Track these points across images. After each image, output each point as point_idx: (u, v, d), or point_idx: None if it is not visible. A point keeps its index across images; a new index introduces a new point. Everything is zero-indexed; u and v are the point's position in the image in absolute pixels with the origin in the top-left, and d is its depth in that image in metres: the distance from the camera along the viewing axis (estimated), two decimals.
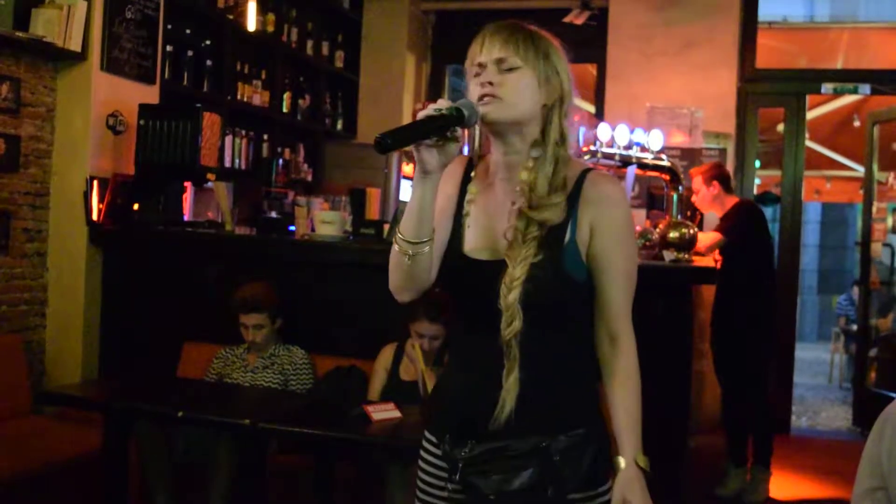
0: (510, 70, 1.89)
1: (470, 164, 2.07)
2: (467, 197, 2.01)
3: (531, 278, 1.83)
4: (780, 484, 5.48)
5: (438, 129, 1.78)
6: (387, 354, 4.09)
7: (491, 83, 1.88)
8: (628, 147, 4.64)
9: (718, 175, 5.42)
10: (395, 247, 1.91)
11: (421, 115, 1.79)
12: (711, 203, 5.44)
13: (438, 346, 3.84)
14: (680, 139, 6.83)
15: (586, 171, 1.95)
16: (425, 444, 2.07)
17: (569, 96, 1.96)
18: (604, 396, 1.97)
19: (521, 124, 1.91)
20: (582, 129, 4.81)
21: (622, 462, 1.88)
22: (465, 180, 2.04)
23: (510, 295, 1.83)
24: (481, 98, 1.88)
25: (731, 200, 5.42)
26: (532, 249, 1.85)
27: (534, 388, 1.87)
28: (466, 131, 1.96)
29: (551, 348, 1.91)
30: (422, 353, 3.79)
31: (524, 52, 1.90)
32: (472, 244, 1.97)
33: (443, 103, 1.81)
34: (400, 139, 1.75)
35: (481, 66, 1.92)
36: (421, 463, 2.07)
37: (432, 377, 3.77)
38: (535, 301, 1.83)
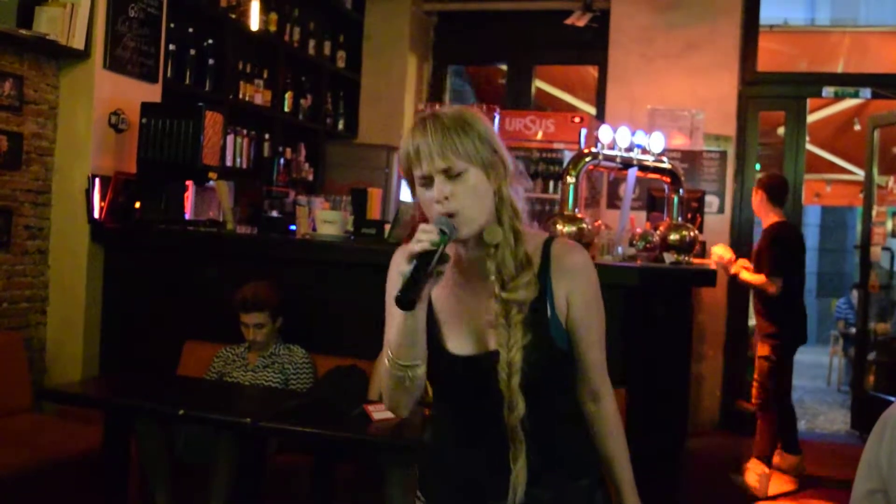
0: (458, 176, 1.80)
1: None
2: (434, 296, 1.93)
3: (526, 361, 1.81)
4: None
5: (441, 260, 1.74)
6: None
7: (447, 198, 1.80)
8: (629, 149, 4.65)
9: (766, 185, 5.57)
10: (392, 371, 1.86)
11: (416, 249, 1.73)
12: (756, 208, 5.72)
13: None
14: (681, 141, 6.84)
15: (549, 240, 1.92)
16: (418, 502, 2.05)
17: (508, 164, 1.88)
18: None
19: (486, 223, 1.85)
20: (583, 131, 4.83)
21: None
22: None
23: (512, 381, 1.81)
24: (444, 215, 1.81)
25: (772, 217, 5.55)
26: (520, 332, 1.82)
27: (541, 462, 1.86)
28: None
29: (553, 421, 1.92)
30: None
31: (464, 150, 1.80)
32: (456, 341, 1.92)
33: (430, 232, 1.74)
34: (418, 291, 1.73)
35: (426, 177, 1.82)
36: None
37: None
38: (533, 382, 1.82)
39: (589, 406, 1.99)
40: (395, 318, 1.81)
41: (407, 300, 1.71)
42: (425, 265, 1.72)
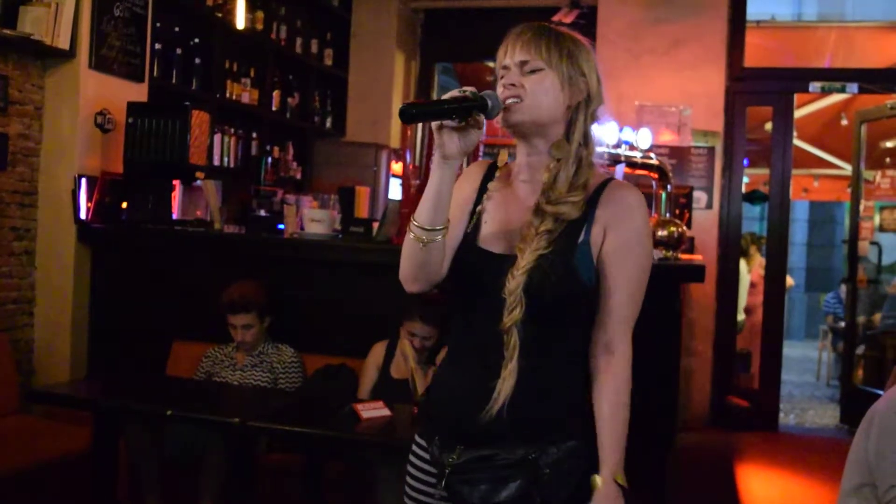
0: (533, 72, 1.88)
1: (491, 169, 2.06)
2: (486, 194, 2.01)
3: (537, 268, 1.82)
4: (768, 481, 5.51)
5: (463, 110, 1.77)
6: (378, 352, 4.09)
7: (513, 84, 1.88)
8: (617, 145, 4.65)
9: None
10: (410, 234, 1.89)
11: (451, 93, 1.79)
12: None
13: (430, 345, 3.86)
14: (668, 137, 6.85)
15: (610, 178, 1.96)
16: (415, 447, 2.05)
17: (596, 98, 1.96)
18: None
19: (543, 126, 1.91)
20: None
21: (599, 481, 1.86)
22: (486, 182, 2.04)
23: (513, 282, 1.82)
24: (505, 100, 1.88)
25: None
26: (543, 242, 1.84)
27: (530, 388, 1.84)
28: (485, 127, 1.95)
29: (551, 349, 1.88)
30: (413, 351, 3.80)
31: (547, 53, 1.89)
32: (487, 238, 1.95)
33: (469, 89, 1.81)
34: (425, 111, 1.79)
35: (506, 68, 1.92)
36: (409, 468, 2.05)
37: (422, 376, 3.79)
38: (538, 292, 1.82)
39: (598, 358, 1.91)
40: (430, 178, 1.87)
41: (410, 112, 1.74)
42: (448, 105, 1.77)
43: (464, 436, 1.90)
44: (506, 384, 1.82)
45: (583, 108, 1.94)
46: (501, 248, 1.92)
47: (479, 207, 2.00)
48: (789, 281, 8.70)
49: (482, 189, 2.02)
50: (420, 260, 1.91)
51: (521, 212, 1.93)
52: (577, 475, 1.86)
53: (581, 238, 1.87)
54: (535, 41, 1.90)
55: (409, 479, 2.05)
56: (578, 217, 1.88)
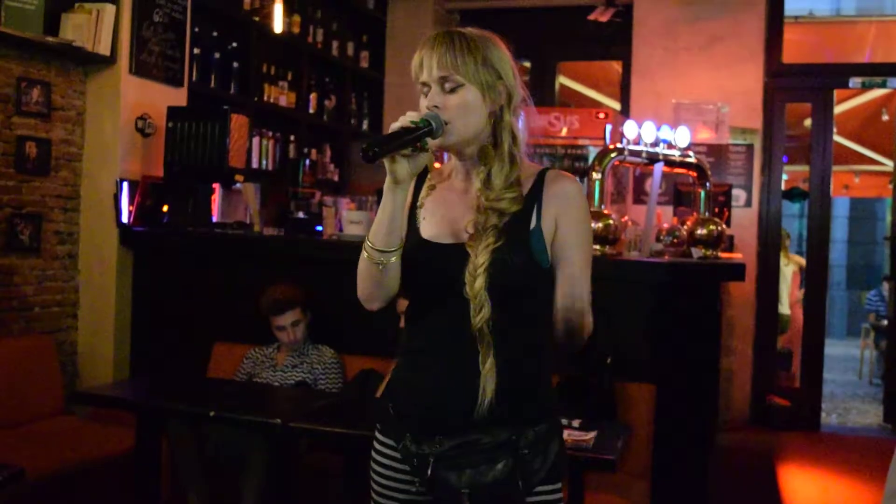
0: (453, 90, 1.92)
1: (424, 170, 2.06)
2: (422, 192, 2.05)
3: (494, 263, 1.86)
4: (810, 481, 5.46)
5: (416, 139, 1.84)
6: None
7: (437, 107, 1.91)
8: (655, 144, 4.62)
9: None
10: (365, 255, 1.95)
11: (396, 125, 1.84)
12: None
13: None
14: (706, 135, 6.81)
15: (545, 169, 2.01)
16: (378, 446, 2.07)
17: (515, 93, 1.98)
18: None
19: (471, 140, 1.95)
20: (608, 127, 4.81)
21: None
22: (420, 183, 2.06)
23: (476, 282, 1.86)
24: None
25: None
26: (492, 237, 1.88)
27: (507, 377, 1.89)
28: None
29: (521, 336, 1.94)
30: None
31: (462, 66, 1.91)
32: (432, 231, 2.00)
33: (415, 116, 1.86)
34: (386, 149, 1.82)
35: (425, 85, 1.95)
36: (375, 466, 2.07)
37: None
38: (500, 285, 1.87)
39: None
40: (382, 201, 1.92)
41: (371, 151, 1.78)
42: (403, 138, 1.82)
43: (445, 428, 1.92)
44: (488, 381, 1.87)
45: (506, 109, 1.96)
46: (449, 238, 1.97)
47: (418, 205, 2.04)
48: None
49: (417, 189, 2.06)
50: (377, 280, 1.97)
51: (461, 205, 1.98)
52: (551, 457, 1.94)
53: (533, 224, 1.94)
54: (449, 54, 1.91)
55: (376, 478, 2.06)
56: (525, 205, 1.94)
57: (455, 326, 1.89)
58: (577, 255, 1.96)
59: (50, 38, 4.47)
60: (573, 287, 1.94)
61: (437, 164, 2.10)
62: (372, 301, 2.03)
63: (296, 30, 6.76)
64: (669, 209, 6.11)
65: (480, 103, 1.93)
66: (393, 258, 1.93)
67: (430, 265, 1.97)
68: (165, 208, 4.91)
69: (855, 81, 7.12)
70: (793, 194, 9.54)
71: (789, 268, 8.22)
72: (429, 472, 1.93)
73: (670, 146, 4.72)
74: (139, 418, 3.80)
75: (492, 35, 2.01)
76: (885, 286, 8.89)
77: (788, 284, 8.22)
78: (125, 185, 4.80)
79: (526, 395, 1.94)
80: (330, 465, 3.95)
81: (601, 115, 6.40)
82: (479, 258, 1.87)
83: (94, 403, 4.28)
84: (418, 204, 2.04)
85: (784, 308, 8.07)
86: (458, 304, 1.88)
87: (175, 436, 3.94)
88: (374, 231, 1.94)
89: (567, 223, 1.95)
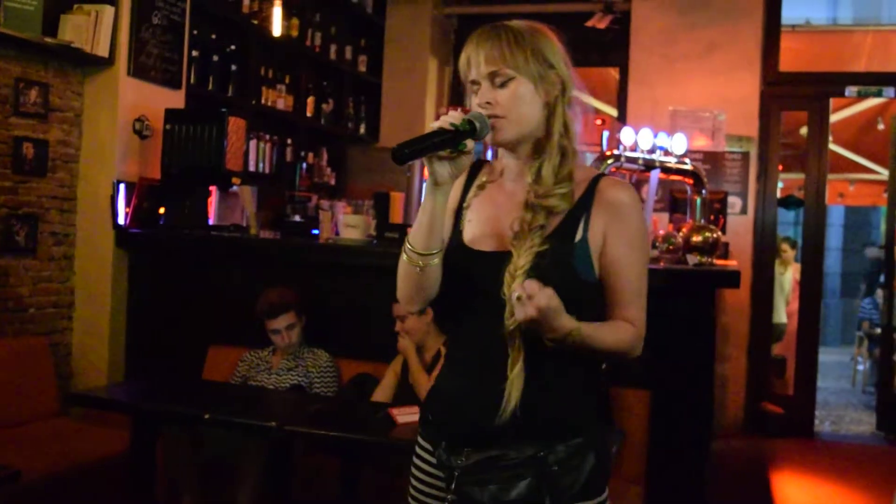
0: (504, 84, 1.86)
1: (476, 166, 2.06)
2: (471, 192, 2.01)
3: (536, 267, 1.79)
4: (803, 488, 5.47)
5: (451, 142, 1.79)
6: (399, 358, 4.12)
7: (489, 103, 1.86)
8: (651, 151, 4.64)
9: None
10: (404, 257, 1.90)
11: (434, 125, 1.79)
12: None
13: (415, 332, 3.94)
14: (703, 143, 6.82)
15: (600, 175, 1.93)
16: (419, 450, 2.03)
17: (569, 84, 1.93)
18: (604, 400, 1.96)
19: (527, 134, 1.91)
20: (605, 133, 4.82)
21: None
22: (470, 181, 2.03)
23: (514, 284, 1.77)
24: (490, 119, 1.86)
25: None
26: (537, 239, 1.82)
27: (536, 388, 1.83)
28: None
29: (554, 348, 1.81)
30: (406, 342, 3.94)
31: (512, 59, 1.86)
32: (474, 235, 1.94)
33: (456, 116, 1.80)
34: (416, 151, 1.76)
35: (475, 83, 1.90)
36: (414, 470, 2.03)
37: (423, 375, 3.90)
38: None
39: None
40: (423, 203, 1.87)
41: (402, 154, 1.75)
42: (437, 140, 1.78)
43: (471, 439, 1.88)
44: (514, 387, 1.81)
45: (560, 100, 1.91)
46: (491, 245, 1.91)
47: (464, 205, 2.00)
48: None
49: (466, 188, 2.03)
50: (417, 282, 1.92)
51: (509, 207, 1.92)
52: (585, 472, 1.85)
53: (579, 236, 1.86)
54: (497, 48, 1.87)
55: (413, 482, 2.03)
56: (572, 213, 1.87)
57: (489, 335, 1.84)
58: (628, 273, 1.88)
59: (48, 39, 4.47)
60: (626, 309, 1.89)
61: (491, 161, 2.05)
62: (411, 303, 1.98)
63: (294, 33, 6.77)
64: (665, 216, 6.13)
65: (533, 95, 1.88)
66: (434, 260, 1.88)
67: (468, 272, 1.92)
68: (162, 210, 4.91)
69: (851, 90, 7.13)
70: (788, 202, 9.56)
71: (787, 276, 8.23)
72: (453, 485, 1.90)
73: (667, 153, 4.74)
74: (134, 420, 3.80)
75: (541, 26, 1.96)
76: (879, 294, 8.91)
77: (787, 293, 8.23)
78: (122, 186, 4.80)
79: (556, 408, 1.86)
80: (325, 468, 3.95)
81: (598, 122, 6.40)
82: (521, 259, 1.81)
83: (89, 405, 4.28)
84: (465, 204, 2.00)
85: (781, 317, 8.09)
86: (494, 311, 1.81)
87: (170, 438, 3.94)
88: (413, 232, 1.89)
89: (617, 238, 1.87)
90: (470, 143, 1.82)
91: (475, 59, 1.88)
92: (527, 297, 1.68)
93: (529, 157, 1.93)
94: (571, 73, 1.94)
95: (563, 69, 1.91)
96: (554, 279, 1.76)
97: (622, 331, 1.89)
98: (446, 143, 1.78)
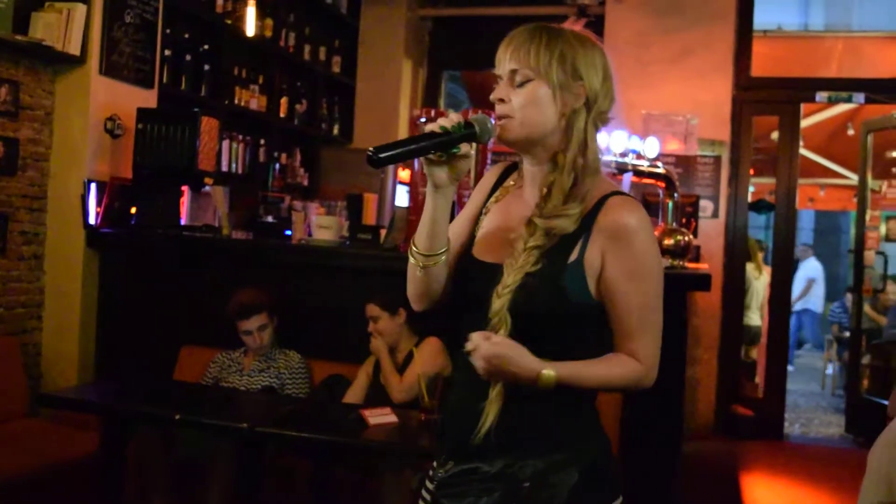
0: (522, 84, 1.81)
1: (507, 171, 2.02)
2: (489, 202, 1.98)
3: (522, 287, 1.75)
4: (773, 490, 5.51)
5: (441, 146, 1.74)
6: (371, 359, 4.13)
7: (502, 100, 1.82)
8: (624, 154, 4.66)
9: None
10: (410, 259, 1.89)
11: (428, 128, 1.75)
12: None
13: (387, 334, 3.97)
14: (675, 146, 6.86)
15: (612, 193, 1.83)
16: (434, 462, 1.99)
17: (600, 99, 1.85)
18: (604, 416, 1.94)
19: (537, 140, 1.83)
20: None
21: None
22: (498, 184, 2.00)
23: (498, 301, 1.75)
24: (496, 117, 1.83)
25: None
26: (532, 258, 1.77)
27: (515, 411, 1.79)
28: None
29: None
30: (378, 343, 3.96)
31: (535, 61, 1.79)
32: (481, 246, 1.92)
33: (452, 119, 1.76)
34: (393, 155, 1.71)
35: (499, 78, 1.85)
36: (426, 481, 2.01)
37: (395, 376, 3.93)
38: (524, 310, 1.75)
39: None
40: (426, 204, 1.84)
41: (376, 158, 1.69)
42: (420, 144, 1.73)
43: (456, 452, 1.88)
44: (492, 409, 1.78)
45: (581, 114, 1.83)
46: (493, 256, 1.86)
47: (483, 211, 1.98)
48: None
49: (491, 193, 2.00)
50: (422, 283, 1.91)
51: (519, 218, 1.85)
52: (565, 489, 1.78)
53: (573, 258, 1.78)
54: (524, 47, 1.81)
55: (424, 493, 1.99)
56: (574, 232, 1.79)
57: None
58: (626, 303, 1.79)
59: (19, 37, 4.43)
60: (628, 341, 1.80)
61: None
62: (419, 302, 1.96)
63: (268, 33, 6.74)
64: None
65: (550, 101, 1.80)
66: (439, 259, 1.86)
67: (467, 282, 1.90)
68: (133, 210, 4.88)
69: (821, 96, 7.19)
70: (759, 206, 9.64)
71: (762, 280, 8.29)
72: (429, 497, 1.91)
73: (639, 156, 4.76)
74: (104, 421, 3.78)
75: (591, 35, 1.89)
76: (848, 298, 9.00)
77: (761, 296, 8.28)
78: (93, 186, 4.77)
79: (535, 428, 1.81)
80: (296, 469, 3.94)
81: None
82: (510, 278, 1.76)
83: (58, 406, 4.24)
84: (484, 210, 1.98)
85: (756, 320, 8.14)
86: (483, 322, 1.78)
87: (140, 439, 3.92)
88: (417, 233, 1.87)
89: (615, 264, 1.77)
90: (465, 147, 1.77)
91: (502, 55, 1.84)
92: (473, 349, 1.69)
93: (545, 164, 1.86)
94: (608, 91, 1.88)
95: (594, 83, 1.84)
96: (540, 299, 1.75)
97: (622, 365, 1.82)
98: (432, 147, 1.74)
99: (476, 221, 1.98)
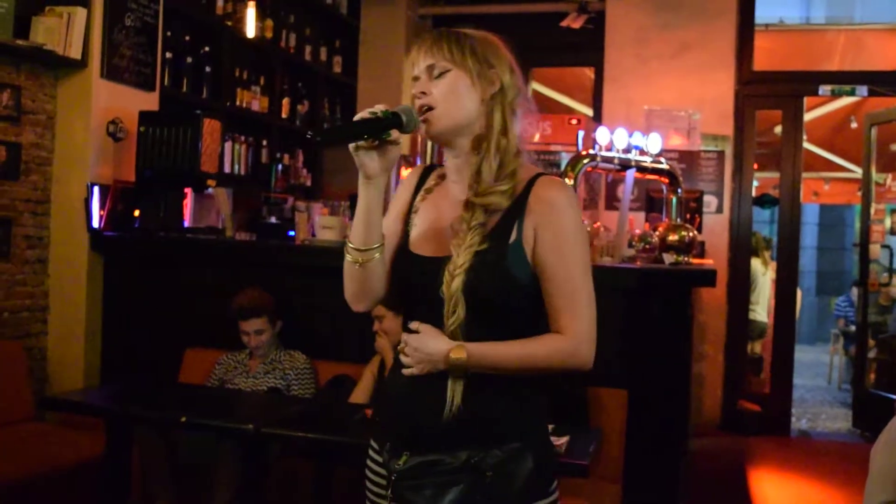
0: (440, 76, 1.89)
1: (427, 171, 2.08)
2: (418, 197, 2.03)
3: (473, 268, 1.80)
4: (780, 485, 5.49)
5: (373, 131, 1.81)
6: (376, 359, 4.12)
7: (423, 92, 1.89)
8: (627, 150, 4.65)
9: None
10: (347, 256, 1.92)
11: (357, 116, 1.82)
12: None
13: (395, 340, 3.95)
14: (678, 142, 6.84)
15: (538, 175, 1.92)
16: (371, 451, 2.03)
17: (512, 88, 1.94)
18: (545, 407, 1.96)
19: (462, 127, 1.91)
20: (581, 133, 4.83)
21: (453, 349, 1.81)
22: (420, 185, 2.06)
23: (453, 283, 1.80)
24: (420, 110, 1.89)
25: None
26: (477, 237, 1.83)
27: (476, 388, 1.83)
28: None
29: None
30: (383, 341, 3.93)
31: (449, 52, 1.89)
32: (417, 241, 1.97)
33: (379, 107, 1.83)
34: (332, 137, 1.83)
35: (416, 78, 1.93)
36: (367, 472, 2.03)
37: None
38: (477, 292, 1.81)
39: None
40: (358, 199, 1.89)
41: (319, 136, 1.81)
42: (356, 128, 1.82)
43: (412, 441, 1.89)
44: (457, 390, 1.82)
45: (498, 98, 1.92)
46: (430, 250, 1.92)
47: (412, 210, 2.02)
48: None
49: (415, 193, 2.05)
50: (360, 280, 1.94)
51: (452, 210, 1.92)
52: (521, 477, 1.84)
53: (513, 238, 1.85)
54: (436, 44, 1.91)
55: (367, 484, 2.03)
56: (509, 213, 1.86)
57: None
58: (556, 277, 1.84)
59: (20, 42, 4.44)
60: (558, 318, 1.84)
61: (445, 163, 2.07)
62: (357, 301, 2.00)
63: (268, 34, 6.74)
64: (641, 215, 6.15)
65: (470, 89, 1.89)
66: (375, 255, 1.90)
67: (409, 277, 1.94)
68: (137, 213, 4.88)
69: (824, 89, 7.17)
70: (763, 201, 9.63)
71: (767, 276, 8.27)
72: (388, 490, 1.91)
73: (642, 152, 4.75)
74: (109, 424, 3.78)
75: (490, 34, 1.99)
76: (854, 292, 8.98)
77: (767, 291, 8.27)
78: (96, 189, 4.77)
79: (496, 410, 1.85)
80: (301, 471, 3.94)
81: (574, 121, 6.42)
82: (460, 258, 1.81)
83: (63, 409, 4.24)
84: (413, 209, 2.02)
85: (762, 315, 8.13)
86: (436, 315, 1.83)
87: (145, 442, 3.92)
88: (352, 229, 1.92)
89: (544, 238, 1.84)
90: (395, 134, 1.84)
91: (415, 56, 1.93)
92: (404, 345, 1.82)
93: (469, 154, 1.92)
94: (517, 81, 1.96)
95: (505, 72, 1.93)
96: (490, 279, 1.82)
97: (544, 343, 1.86)
98: (366, 131, 1.81)
99: (406, 220, 2.02)
